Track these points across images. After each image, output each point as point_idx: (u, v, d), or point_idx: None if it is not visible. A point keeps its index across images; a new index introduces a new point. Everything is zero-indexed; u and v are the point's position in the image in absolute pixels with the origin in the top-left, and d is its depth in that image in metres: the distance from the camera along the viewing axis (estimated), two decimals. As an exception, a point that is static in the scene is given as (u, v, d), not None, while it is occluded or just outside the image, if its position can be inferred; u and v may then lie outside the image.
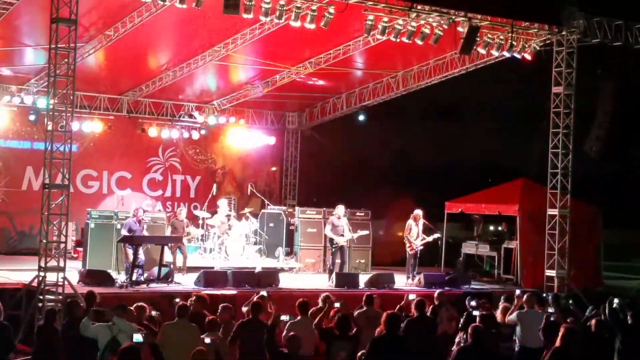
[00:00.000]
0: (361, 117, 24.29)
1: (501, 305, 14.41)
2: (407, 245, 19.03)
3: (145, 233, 17.81)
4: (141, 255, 17.17)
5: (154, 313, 12.36)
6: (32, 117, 21.76)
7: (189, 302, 12.26)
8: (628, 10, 18.95)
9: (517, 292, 14.80)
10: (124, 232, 17.34)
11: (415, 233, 18.93)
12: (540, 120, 19.47)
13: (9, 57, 20.10)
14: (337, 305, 12.44)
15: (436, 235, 19.46)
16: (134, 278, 16.61)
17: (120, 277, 16.92)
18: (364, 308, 12.78)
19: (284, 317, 11.37)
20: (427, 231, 19.19)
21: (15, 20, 17.07)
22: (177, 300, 13.37)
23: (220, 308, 11.92)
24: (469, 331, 10.10)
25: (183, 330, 10.59)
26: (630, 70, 20.22)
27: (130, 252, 17.02)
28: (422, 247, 19.12)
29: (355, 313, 12.47)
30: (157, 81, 22.19)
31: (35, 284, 14.43)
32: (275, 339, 10.58)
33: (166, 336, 10.46)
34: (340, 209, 18.91)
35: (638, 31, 18.81)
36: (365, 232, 19.83)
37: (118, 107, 23.76)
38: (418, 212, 19.06)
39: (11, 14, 16.43)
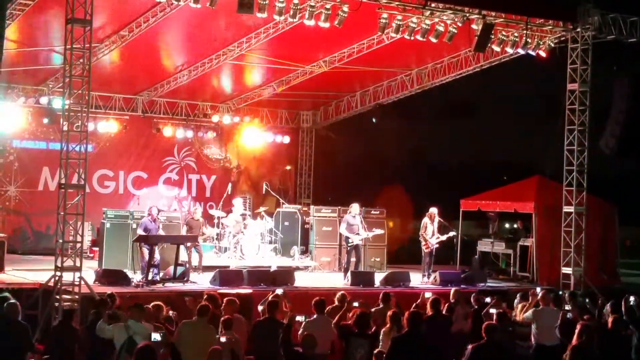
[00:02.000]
0: (374, 120, 24.22)
1: (517, 303, 14.40)
2: (423, 243, 19.02)
3: (162, 232, 17.87)
4: (157, 255, 17.22)
5: (170, 313, 12.41)
6: (46, 121, 21.92)
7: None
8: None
9: (538, 289, 14.74)
10: (140, 232, 17.39)
11: (430, 231, 18.92)
12: (556, 118, 19.37)
13: (25, 58, 20.20)
14: (355, 304, 12.47)
15: (451, 234, 19.42)
16: (149, 277, 16.67)
17: (137, 277, 16.99)
18: (381, 306, 12.81)
19: (299, 318, 11.37)
20: (442, 229, 19.15)
21: (31, 21, 17.14)
22: (187, 298, 13.35)
23: (224, 302, 11.89)
24: (483, 328, 10.10)
25: (201, 330, 10.60)
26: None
27: (146, 251, 17.07)
28: (437, 246, 19.10)
29: (372, 310, 12.49)
30: (172, 81, 22.26)
31: (51, 283, 14.50)
32: (290, 338, 10.59)
33: (183, 335, 10.48)
34: (355, 208, 18.92)
35: (653, 27, 18.74)
36: (380, 232, 19.82)
37: (133, 107, 23.84)
38: (433, 210, 19.04)
39: (26, 15, 16.51)
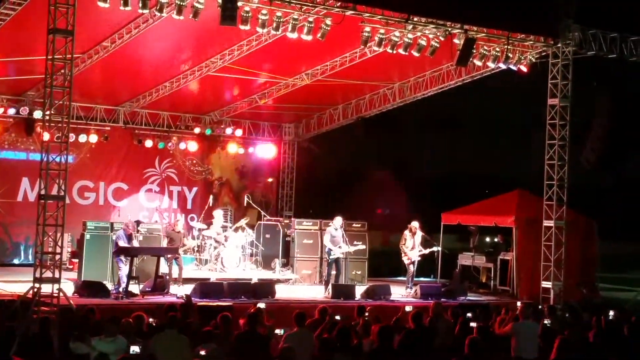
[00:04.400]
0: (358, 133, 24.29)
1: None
2: (403, 255, 19.09)
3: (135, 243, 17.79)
4: (124, 269, 17.12)
5: (151, 320, 12.34)
6: (29, 133, 21.86)
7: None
8: (623, 23, 19.05)
9: (518, 303, 14.76)
10: (122, 244, 17.28)
11: (410, 244, 18.97)
12: (537, 132, 19.51)
13: (5, 68, 20.10)
14: (337, 318, 12.45)
15: (434, 249, 19.48)
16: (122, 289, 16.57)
17: (116, 289, 16.90)
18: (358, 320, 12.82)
19: (278, 331, 11.32)
20: (425, 243, 19.21)
21: (12, 31, 17.05)
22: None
23: (219, 319, 11.81)
24: (466, 342, 10.10)
25: (172, 342, 10.53)
26: (625, 82, 20.30)
27: (120, 264, 17.00)
28: (419, 259, 19.14)
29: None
30: (154, 92, 22.19)
31: (30, 295, 14.38)
32: (269, 352, 10.55)
33: (156, 347, 10.37)
34: (337, 221, 18.95)
35: (633, 44, 18.92)
36: (362, 246, 19.99)
37: (114, 118, 23.73)
38: (414, 223, 19.11)
39: (8, 25, 16.43)
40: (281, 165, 27.01)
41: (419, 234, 19.08)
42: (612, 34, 18.71)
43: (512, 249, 20.95)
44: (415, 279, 19.43)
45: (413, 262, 19.06)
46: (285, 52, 19.07)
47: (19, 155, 22.72)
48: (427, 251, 19.23)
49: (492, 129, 34.90)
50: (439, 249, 19.96)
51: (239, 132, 25.44)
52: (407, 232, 19.09)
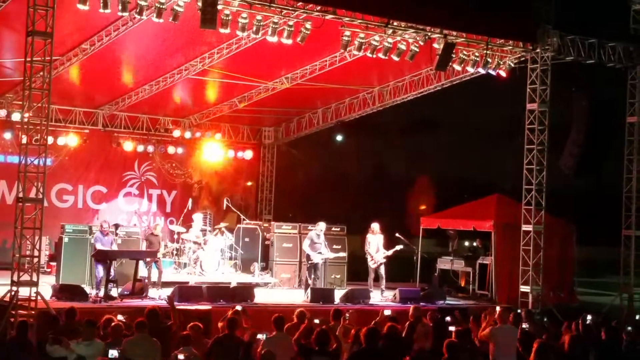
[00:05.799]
0: (339, 138, 24.25)
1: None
2: (369, 259, 19.14)
3: (114, 247, 17.70)
4: (100, 272, 17.05)
5: (121, 317, 12.22)
6: (7, 136, 21.69)
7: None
8: (601, 29, 19.22)
9: (497, 308, 14.80)
10: (100, 247, 17.22)
11: (374, 247, 19.02)
12: (515, 137, 19.61)
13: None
14: (316, 321, 12.44)
15: (397, 247, 19.41)
16: (101, 293, 16.49)
17: (94, 292, 16.83)
18: (332, 323, 12.81)
19: (260, 336, 11.30)
20: (388, 244, 19.27)
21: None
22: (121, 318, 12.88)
23: (188, 328, 11.72)
24: (445, 346, 10.12)
25: (144, 345, 10.49)
26: (603, 87, 20.46)
27: (98, 268, 16.93)
28: (384, 260, 19.17)
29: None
30: (133, 95, 22.12)
31: (7, 298, 14.28)
32: (251, 356, 10.53)
33: (128, 353, 10.31)
34: (321, 226, 18.99)
35: (611, 49, 19.12)
36: (343, 254, 20.15)
37: (93, 121, 23.63)
38: (375, 225, 19.22)
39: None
40: (261, 169, 26.99)
41: (380, 236, 19.15)
42: (591, 40, 18.88)
43: (490, 253, 21.02)
44: (392, 282, 19.42)
45: (380, 265, 19.08)
46: (265, 55, 19.06)
47: (-4, 158, 22.58)
48: (390, 252, 19.25)
49: (471, 132, 35.05)
50: (402, 247, 19.77)
51: (218, 136, 25.39)
52: (369, 235, 19.19)
